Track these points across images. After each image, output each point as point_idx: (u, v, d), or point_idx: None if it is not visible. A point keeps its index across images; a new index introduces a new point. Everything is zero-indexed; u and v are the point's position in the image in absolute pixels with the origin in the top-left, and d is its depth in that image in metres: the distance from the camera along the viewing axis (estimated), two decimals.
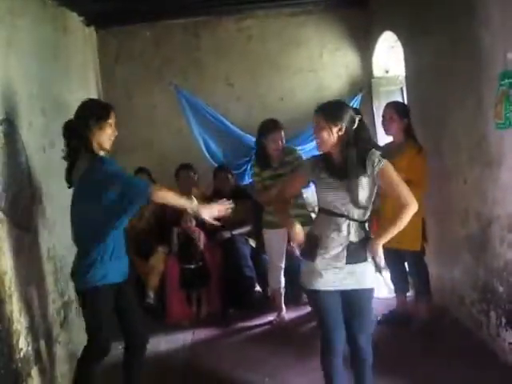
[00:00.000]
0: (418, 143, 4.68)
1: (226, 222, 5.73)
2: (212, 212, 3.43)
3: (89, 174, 3.30)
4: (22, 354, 3.40)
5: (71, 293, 4.50)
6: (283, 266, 5.24)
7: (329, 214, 3.21)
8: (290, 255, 5.34)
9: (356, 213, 3.19)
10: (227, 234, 5.67)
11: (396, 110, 4.77)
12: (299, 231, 3.31)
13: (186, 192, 5.97)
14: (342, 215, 3.17)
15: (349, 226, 3.18)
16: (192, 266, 5.44)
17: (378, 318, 5.07)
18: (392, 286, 5.15)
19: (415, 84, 5.63)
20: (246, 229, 5.85)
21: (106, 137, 3.39)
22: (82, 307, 3.56)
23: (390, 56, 6.68)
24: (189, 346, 4.91)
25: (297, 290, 5.59)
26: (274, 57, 6.92)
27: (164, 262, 5.53)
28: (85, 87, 6.01)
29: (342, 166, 3.16)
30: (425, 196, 4.58)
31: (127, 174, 3.40)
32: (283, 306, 5.33)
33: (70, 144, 3.39)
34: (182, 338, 5.04)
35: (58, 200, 4.40)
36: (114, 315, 3.55)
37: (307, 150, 6.11)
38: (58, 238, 4.31)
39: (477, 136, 4.17)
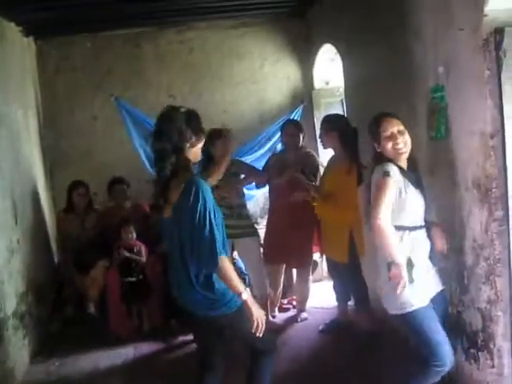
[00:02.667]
0: (354, 155, 4.69)
1: None
2: (258, 317, 2.97)
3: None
4: None
5: (7, 309, 4.41)
6: None
7: (414, 229, 3.19)
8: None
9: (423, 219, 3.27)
10: None
11: (325, 123, 4.84)
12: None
13: (119, 205, 5.96)
14: (422, 226, 3.25)
15: (425, 232, 3.29)
16: (133, 280, 5.38)
17: (321, 327, 5.13)
18: (335, 295, 5.22)
19: (354, 96, 5.72)
20: None
21: (198, 151, 3.05)
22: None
23: (330, 68, 6.78)
24: (130, 362, 4.84)
25: None
26: (215, 68, 6.95)
27: (104, 276, 5.46)
28: (23, 98, 5.90)
29: (415, 173, 3.26)
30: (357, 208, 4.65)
31: (210, 223, 2.86)
32: None
33: (169, 163, 2.94)
34: (124, 353, 4.97)
35: None
36: None
37: (251, 160, 6.15)
38: None
39: (412, 147, 4.25)
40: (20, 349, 4.66)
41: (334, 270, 5.01)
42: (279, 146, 6.11)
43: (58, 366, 4.82)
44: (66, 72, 6.78)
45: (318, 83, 6.93)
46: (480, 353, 3.54)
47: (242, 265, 5.66)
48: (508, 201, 3.16)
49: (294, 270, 5.71)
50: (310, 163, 5.27)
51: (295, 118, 6.50)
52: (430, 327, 3.16)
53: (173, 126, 2.93)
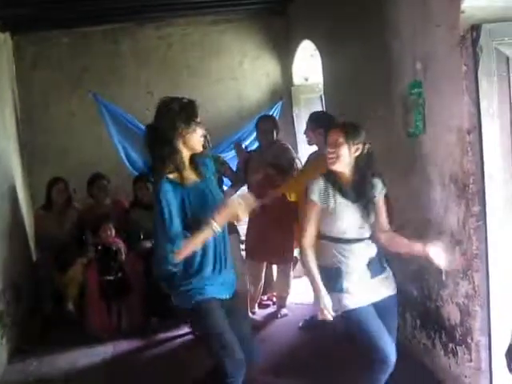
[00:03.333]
0: None
1: (146, 232, 5.69)
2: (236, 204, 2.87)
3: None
4: None
5: None
6: None
7: (344, 241, 3.12)
8: None
9: (367, 232, 3.19)
10: (148, 244, 5.59)
11: (311, 120, 4.85)
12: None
13: (99, 202, 5.93)
14: (358, 240, 3.14)
15: (365, 245, 3.17)
16: (111, 278, 5.34)
17: (300, 324, 5.13)
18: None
19: (333, 92, 5.73)
20: None
21: (197, 138, 2.99)
22: None
23: (309, 64, 6.78)
24: (109, 360, 4.81)
25: None
26: (194, 65, 6.92)
27: (83, 274, 5.42)
28: (0, 95, 5.82)
29: (356, 186, 3.13)
30: None
31: (163, 225, 2.85)
32: None
33: (160, 153, 2.93)
34: (103, 352, 4.94)
35: None
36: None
37: (228, 158, 6.13)
38: None
39: (389, 143, 4.27)
40: None
41: None
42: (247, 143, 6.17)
43: (37, 365, 4.77)
44: (43, 68, 6.71)
45: (297, 79, 6.94)
46: (458, 347, 3.57)
47: None
48: (485, 196, 3.20)
49: (275, 267, 5.70)
50: (286, 156, 5.28)
51: (271, 114, 6.45)
52: (368, 325, 3.12)
53: (162, 116, 2.94)
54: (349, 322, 3.24)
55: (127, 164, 6.40)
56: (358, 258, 3.15)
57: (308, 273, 3.22)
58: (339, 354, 4.44)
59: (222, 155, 5.96)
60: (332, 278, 3.13)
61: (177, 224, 2.85)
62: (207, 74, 6.95)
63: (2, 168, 5.48)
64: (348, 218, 3.11)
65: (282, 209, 5.10)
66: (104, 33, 6.81)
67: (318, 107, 6.40)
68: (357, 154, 3.12)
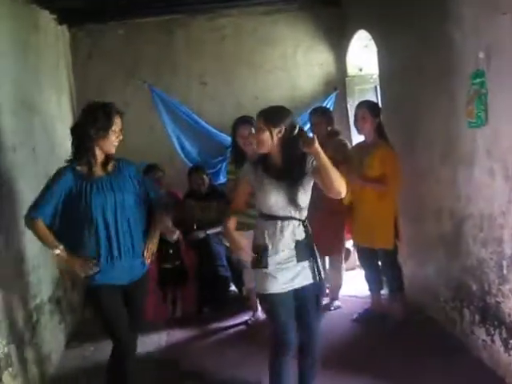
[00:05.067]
0: (389, 143, 4.72)
1: (200, 222, 5.73)
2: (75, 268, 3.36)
3: None
4: None
5: (43, 295, 4.46)
6: None
7: (272, 218, 3.26)
8: None
9: (296, 213, 3.27)
10: (202, 234, 5.64)
11: (368, 108, 4.78)
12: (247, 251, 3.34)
13: None
14: (285, 217, 3.25)
15: (293, 225, 3.26)
16: (170, 266, 5.42)
17: (354, 317, 5.10)
18: (367, 285, 5.17)
19: (388, 83, 5.65)
20: (220, 228, 5.80)
21: (109, 144, 3.37)
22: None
23: (363, 54, 6.69)
24: (163, 348, 4.87)
25: None
26: (247, 55, 6.90)
27: None
28: (56, 86, 5.92)
29: (282, 166, 3.24)
30: (398, 195, 4.65)
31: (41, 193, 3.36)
32: (258, 306, 5.31)
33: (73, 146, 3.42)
34: (157, 339, 5.00)
35: (27, 200, 4.33)
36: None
37: None
38: (30, 238, 4.24)
39: (449, 135, 4.20)
40: (56, 333, 4.72)
41: (369, 259, 4.96)
42: None
43: (93, 350, 4.85)
44: (99, 59, 6.79)
45: (351, 70, 6.84)
46: None
47: None
48: None
49: (327, 258, 5.65)
50: (343, 151, 5.19)
51: (324, 106, 6.40)
52: (279, 312, 3.28)
53: (81, 121, 3.38)
54: (264, 303, 3.44)
55: (181, 155, 6.46)
56: (284, 237, 3.25)
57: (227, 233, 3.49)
58: (394, 348, 4.41)
59: None
60: (258, 254, 3.27)
61: (47, 203, 3.29)
62: (260, 64, 6.92)
63: (59, 156, 5.54)
64: (274, 196, 3.24)
65: (333, 199, 5.04)
66: (158, 24, 6.85)
67: (373, 98, 6.30)
68: (279, 136, 3.19)
